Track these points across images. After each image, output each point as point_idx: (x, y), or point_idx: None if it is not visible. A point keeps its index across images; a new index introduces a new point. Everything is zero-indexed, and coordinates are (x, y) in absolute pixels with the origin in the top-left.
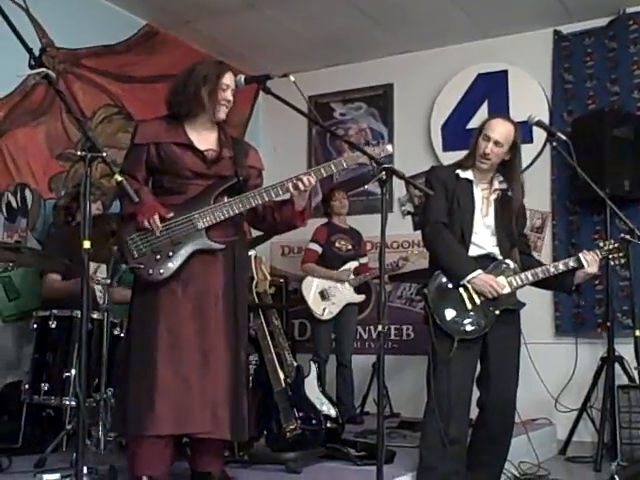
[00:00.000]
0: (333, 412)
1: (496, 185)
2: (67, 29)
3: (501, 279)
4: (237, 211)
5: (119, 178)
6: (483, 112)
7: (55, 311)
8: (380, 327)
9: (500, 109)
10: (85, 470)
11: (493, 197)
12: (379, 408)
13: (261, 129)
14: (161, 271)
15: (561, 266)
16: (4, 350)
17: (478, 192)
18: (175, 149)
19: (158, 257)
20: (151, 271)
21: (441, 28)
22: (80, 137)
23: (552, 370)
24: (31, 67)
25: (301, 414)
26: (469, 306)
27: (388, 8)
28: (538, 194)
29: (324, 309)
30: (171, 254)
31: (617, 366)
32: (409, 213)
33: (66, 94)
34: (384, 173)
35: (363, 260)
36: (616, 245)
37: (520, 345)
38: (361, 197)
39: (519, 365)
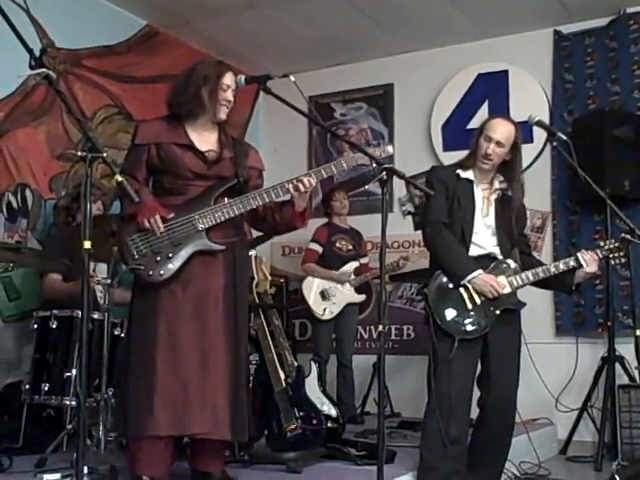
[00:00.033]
0: (334, 412)
1: (496, 185)
2: (67, 29)
3: (502, 279)
4: (237, 212)
5: (119, 178)
6: (483, 112)
7: (56, 311)
8: (381, 327)
9: (500, 109)
10: (85, 470)
11: (493, 197)
12: (379, 408)
13: (261, 129)
14: (161, 272)
15: (562, 266)
16: (4, 350)
17: (479, 192)
18: (175, 149)
19: (158, 258)
20: (151, 272)
21: (441, 28)
22: (80, 137)
23: (552, 370)
24: (31, 67)
25: (302, 414)
26: (470, 306)
27: (388, 8)
28: (538, 194)
29: (325, 309)
30: (171, 255)
31: (618, 366)
32: (409, 213)
33: (66, 94)
34: (384, 173)
35: (364, 260)
36: (616, 245)
37: (520, 345)
38: (361, 197)
39: (519, 365)
